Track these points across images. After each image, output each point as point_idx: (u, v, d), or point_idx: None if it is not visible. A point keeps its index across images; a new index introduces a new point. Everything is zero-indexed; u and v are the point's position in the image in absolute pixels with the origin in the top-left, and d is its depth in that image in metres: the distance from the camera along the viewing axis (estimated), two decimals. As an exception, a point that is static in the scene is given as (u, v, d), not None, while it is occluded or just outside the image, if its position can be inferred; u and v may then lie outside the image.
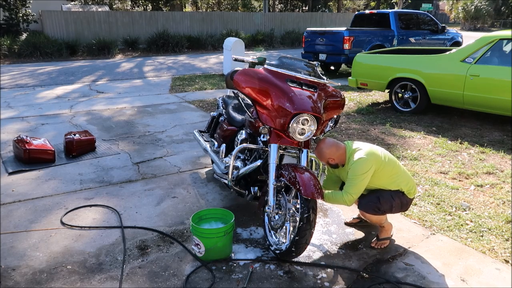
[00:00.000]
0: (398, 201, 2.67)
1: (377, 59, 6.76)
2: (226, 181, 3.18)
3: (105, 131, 5.58)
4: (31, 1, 18.07)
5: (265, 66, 2.68)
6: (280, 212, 2.60)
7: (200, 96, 7.92)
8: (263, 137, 2.81)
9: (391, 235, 2.86)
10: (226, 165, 3.23)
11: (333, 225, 3.09)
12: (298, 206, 2.47)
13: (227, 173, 3.06)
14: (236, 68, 2.72)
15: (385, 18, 10.80)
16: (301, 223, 2.38)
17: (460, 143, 4.92)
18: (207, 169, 4.18)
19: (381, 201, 2.65)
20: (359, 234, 2.96)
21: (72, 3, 24.14)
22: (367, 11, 11.48)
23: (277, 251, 2.58)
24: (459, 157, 4.49)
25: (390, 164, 2.66)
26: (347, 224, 3.09)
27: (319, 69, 2.82)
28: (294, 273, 2.50)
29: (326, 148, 2.67)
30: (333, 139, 2.73)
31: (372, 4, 40.89)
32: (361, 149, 2.64)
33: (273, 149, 2.61)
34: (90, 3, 25.23)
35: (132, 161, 4.42)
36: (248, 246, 2.81)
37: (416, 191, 2.80)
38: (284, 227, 2.59)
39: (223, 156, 3.38)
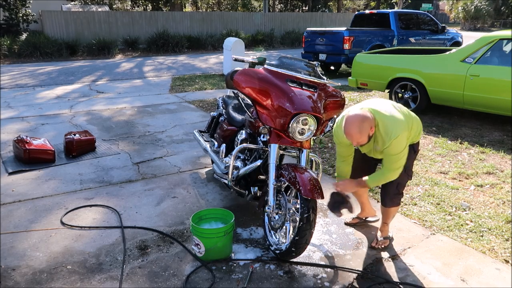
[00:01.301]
0: (410, 160, 2.60)
1: (377, 59, 6.76)
2: (226, 181, 3.18)
3: (105, 131, 5.58)
4: (31, 1, 18.07)
5: (265, 66, 2.68)
6: (280, 212, 2.60)
7: (200, 96, 7.92)
8: (263, 137, 2.81)
9: (391, 236, 2.86)
10: (226, 165, 3.23)
11: (333, 225, 3.09)
12: (298, 206, 2.47)
13: (227, 173, 3.06)
14: (236, 68, 2.72)
15: (385, 18, 10.80)
16: (301, 223, 2.38)
17: (460, 143, 4.92)
18: (207, 169, 4.19)
19: (399, 187, 2.64)
20: (359, 234, 2.96)
21: (72, 3, 24.15)
22: (367, 11, 11.49)
23: (277, 251, 2.58)
24: (459, 157, 4.49)
25: (409, 121, 2.50)
26: (347, 224, 3.09)
27: (319, 69, 2.82)
28: (294, 273, 2.50)
29: (363, 121, 2.33)
30: (355, 112, 2.38)
31: (372, 4, 40.88)
32: (389, 117, 2.40)
33: (273, 149, 2.61)
34: (90, 3, 25.23)
35: (132, 161, 4.42)
36: (248, 246, 2.81)
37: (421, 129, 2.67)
38: (284, 227, 2.60)
39: (223, 156, 3.38)
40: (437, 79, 5.86)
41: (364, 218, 3.10)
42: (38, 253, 2.70)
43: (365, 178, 2.55)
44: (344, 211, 2.62)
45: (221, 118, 3.84)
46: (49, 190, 3.68)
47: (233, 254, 2.69)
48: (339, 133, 2.59)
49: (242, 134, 3.21)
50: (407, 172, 2.61)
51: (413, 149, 2.64)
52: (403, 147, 2.39)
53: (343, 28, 10.08)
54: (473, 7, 40.89)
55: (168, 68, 12.28)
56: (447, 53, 5.89)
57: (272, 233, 2.71)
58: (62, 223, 3.08)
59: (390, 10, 11.05)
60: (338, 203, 2.60)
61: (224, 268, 2.55)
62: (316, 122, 2.55)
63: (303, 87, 2.60)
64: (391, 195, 2.65)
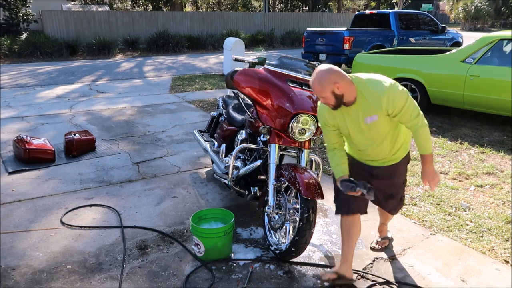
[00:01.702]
0: (406, 166, 2.45)
1: (377, 59, 6.77)
2: (226, 181, 3.18)
3: (105, 131, 5.58)
4: (31, 1, 18.07)
5: (265, 66, 2.68)
6: (280, 212, 2.60)
7: (200, 96, 7.92)
8: (263, 137, 2.82)
9: (390, 236, 2.86)
10: (226, 165, 3.23)
11: (333, 225, 3.09)
12: (298, 206, 2.47)
13: (227, 173, 3.06)
14: (236, 68, 2.72)
15: (385, 18, 10.80)
16: (301, 223, 2.38)
17: (460, 144, 4.92)
18: (207, 169, 4.19)
19: (402, 196, 2.53)
20: (359, 234, 2.96)
21: (72, 2, 24.15)
22: (367, 11, 11.49)
23: (277, 251, 2.58)
24: (459, 158, 4.49)
25: None
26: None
27: (319, 69, 2.81)
28: (294, 273, 2.50)
29: (328, 73, 2.02)
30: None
31: (372, 4, 40.90)
32: (372, 75, 2.15)
33: (273, 149, 2.61)
34: (90, 3, 25.23)
35: (132, 161, 4.42)
36: (248, 246, 2.81)
37: None
38: (284, 227, 2.59)
39: (223, 156, 3.38)
40: (437, 80, 5.86)
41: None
42: (38, 252, 2.70)
43: (422, 152, 2.19)
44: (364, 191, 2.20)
45: (221, 118, 3.84)
46: (49, 190, 3.68)
47: (233, 254, 2.69)
48: (321, 111, 2.29)
49: (242, 134, 3.21)
50: (404, 183, 2.52)
51: (408, 158, 2.43)
52: (404, 90, 2.07)
53: (343, 28, 10.09)
54: (473, 7, 40.88)
55: (168, 68, 12.28)
56: (447, 53, 5.89)
57: (272, 233, 2.71)
58: (62, 223, 3.08)
59: (390, 10, 11.05)
60: (355, 185, 2.20)
61: (224, 268, 2.55)
62: (316, 122, 2.55)
63: (303, 87, 2.60)
64: (397, 206, 2.56)
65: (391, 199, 2.47)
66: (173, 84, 9.32)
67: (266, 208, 2.60)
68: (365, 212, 2.46)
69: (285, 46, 20.57)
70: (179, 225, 3.08)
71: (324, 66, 2.07)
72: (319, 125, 2.40)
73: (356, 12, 12.49)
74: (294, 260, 2.60)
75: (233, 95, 3.76)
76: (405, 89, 2.10)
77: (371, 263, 2.60)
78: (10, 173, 4.05)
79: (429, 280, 2.43)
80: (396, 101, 2.04)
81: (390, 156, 2.32)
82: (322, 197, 2.39)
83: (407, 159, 2.43)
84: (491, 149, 4.72)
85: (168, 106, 7.13)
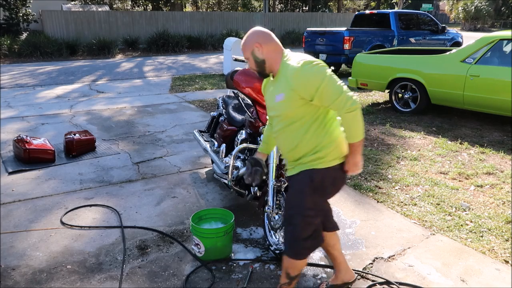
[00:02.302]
0: (312, 190, 1.93)
1: (377, 59, 6.76)
2: (226, 181, 3.18)
3: (105, 131, 5.58)
4: (31, 1, 18.08)
5: (265, 66, 2.68)
6: (280, 212, 2.60)
7: (200, 96, 7.92)
8: (263, 137, 2.81)
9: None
10: (226, 165, 3.23)
11: (333, 225, 3.09)
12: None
13: (227, 173, 3.06)
14: (236, 68, 2.73)
15: (385, 18, 10.80)
16: (301, 223, 2.37)
17: (460, 144, 4.92)
18: (207, 169, 4.19)
19: (296, 231, 1.95)
20: (359, 234, 2.96)
21: (72, 3, 24.14)
22: (367, 11, 11.48)
23: (277, 251, 2.59)
24: (459, 158, 4.48)
25: None
26: None
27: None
28: (294, 273, 2.50)
29: (254, 32, 1.92)
30: None
31: (372, 4, 40.91)
32: (300, 55, 1.90)
33: (273, 149, 2.61)
34: (90, 3, 25.22)
35: (132, 161, 4.42)
36: (247, 246, 2.81)
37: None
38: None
39: (223, 156, 3.39)
40: (437, 80, 5.86)
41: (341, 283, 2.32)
42: (38, 252, 2.70)
43: (347, 140, 1.88)
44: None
45: (221, 118, 3.84)
46: (49, 190, 3.68)
47: (233, 254, 2.69)
48: (264, 82, 2.18)
49: (242, 134, 3.21)
50: (300, 211, 1.93)
51: (310, 177, 1.91)
52: (321, 69, 1.78)
53: (343, 28, 10.09)
54: (473, 7, 40.88)
55: (168, 68, 12.28)
56: (447, 53, 5.88)
57: (272, 233, 2.71)
58: (62, 223, 3.08)
59: (390, 10, 11.05)
60: (251, 172, 2.19)
61: (224, 268, 2.55)
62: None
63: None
64: (289, 241, 2.01)
65: (286, 223, 2.01)
66: (173, 84, 9.32)
67: (266, 208, 2.60)
68: (331, 230, 2.22)
69: (285, 46, 20.23)
70: (179, 225, 3.08)
71: (257, 28, 1.96)
72: None
73: (356, 12, 12.48)
74: (294, 260, 2.60)
75: (233, 95, 3.76)
76: (325, 68, 1.80)
77: (371, 263, 2.60)
78: (10, 173, 4.05)
79: (429, 280, 2.43)
80: (308, 79, 1.76)
81: (293, 160, 1.97)
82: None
83: (311, 177, 1.90)
84: (491, 149, 4.72)
85: (168, 106, 7.13)
